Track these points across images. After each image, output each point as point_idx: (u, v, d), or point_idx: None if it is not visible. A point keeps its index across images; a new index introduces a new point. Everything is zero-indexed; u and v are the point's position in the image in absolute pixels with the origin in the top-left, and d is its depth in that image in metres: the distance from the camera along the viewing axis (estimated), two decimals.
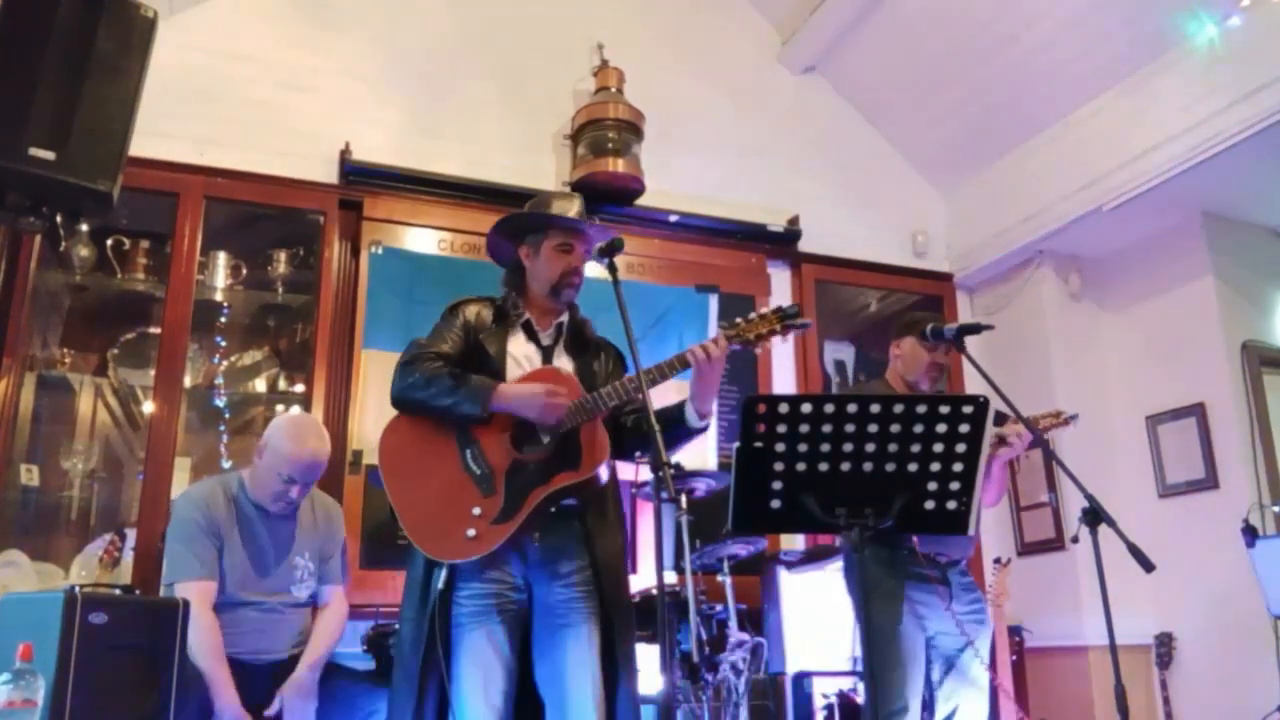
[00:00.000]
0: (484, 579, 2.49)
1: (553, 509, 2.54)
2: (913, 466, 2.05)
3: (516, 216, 2.78)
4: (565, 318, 2.77)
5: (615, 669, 2.53)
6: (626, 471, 3.08)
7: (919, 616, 3.07)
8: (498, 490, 2.49)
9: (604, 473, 2.61)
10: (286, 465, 2.93)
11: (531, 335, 2.72)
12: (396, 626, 3.42)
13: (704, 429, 2.63)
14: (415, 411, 2.57)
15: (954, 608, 3.10)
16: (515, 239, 2.77)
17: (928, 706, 3.15)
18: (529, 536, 2.53)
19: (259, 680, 2.85)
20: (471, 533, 2.46)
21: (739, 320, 2.60)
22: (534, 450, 2.53)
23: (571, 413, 2.52)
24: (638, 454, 2.77)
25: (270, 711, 2.81)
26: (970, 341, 3.16)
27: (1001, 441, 3.13)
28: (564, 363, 2.71)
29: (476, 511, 2.47)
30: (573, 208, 2.72)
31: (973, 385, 4.70)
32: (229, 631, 2.85)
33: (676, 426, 2.58)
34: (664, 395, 2.55)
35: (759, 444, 2.03)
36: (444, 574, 2.46)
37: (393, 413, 2.62)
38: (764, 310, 2.61)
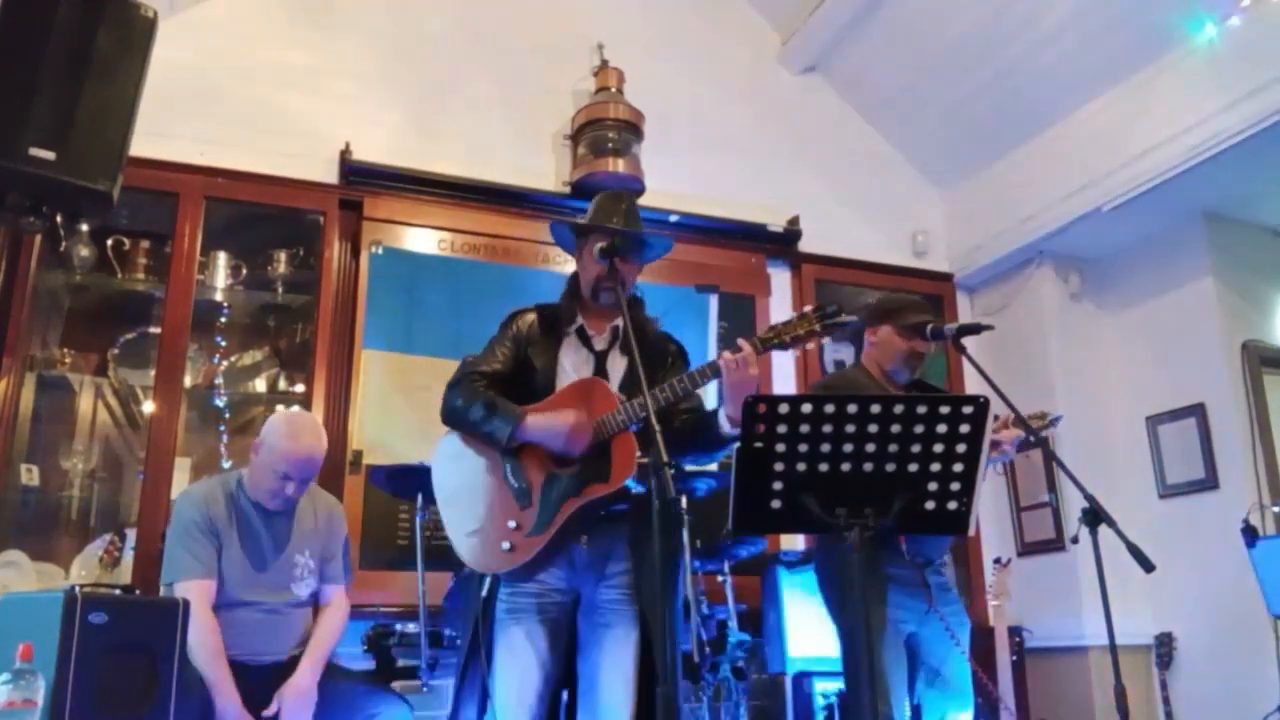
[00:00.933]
0: (528, 581, 2.53)
1: (600, 514, 2.54)
2: (913, 467, 2.04)
3: (559, 227, 2.81)
4: (621, 320, 2.68)
5: (652, 672, 2.50)
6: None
7: (899, 620, 3.04)
8: (534, 503, 2.53)
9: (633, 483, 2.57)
10: (282, 462, 2.93)
11: (585, 341, 2.71)
12: (397, 627, 3.46)
13: (737, 436, 2.48)
14: (460, 429, 2.64)
15: (937, 607, 3.08)
16: (574, 241, 2.78)
17: (915, 713, 3.14)
18: (577, 542, 2.55)
19: (260, 681, 2.84)
20: (506, 545, 2.50)
21: (775, 324, 2.52)
22: (568, 464, 2.55)
23: (603, 424, 2.50)
24: (695, 454, 2.72)
25: (268, 713, 2.80)
26: (970, 341, 3.14)
27: (994, 445, 3.12)
28: (617, 366, 2.69)
29: (512, 524, 2.52)
30: (617, 211, 2.72)
31: (973, 385, 4.70)
32: (229, 632, 2.85)
33: (709, 432, 2.56)
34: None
35: (759, 444, 2.03)
36: (487, 581, 2.54)
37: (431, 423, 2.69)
38: (805, 310, 2.51)
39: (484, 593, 2.53)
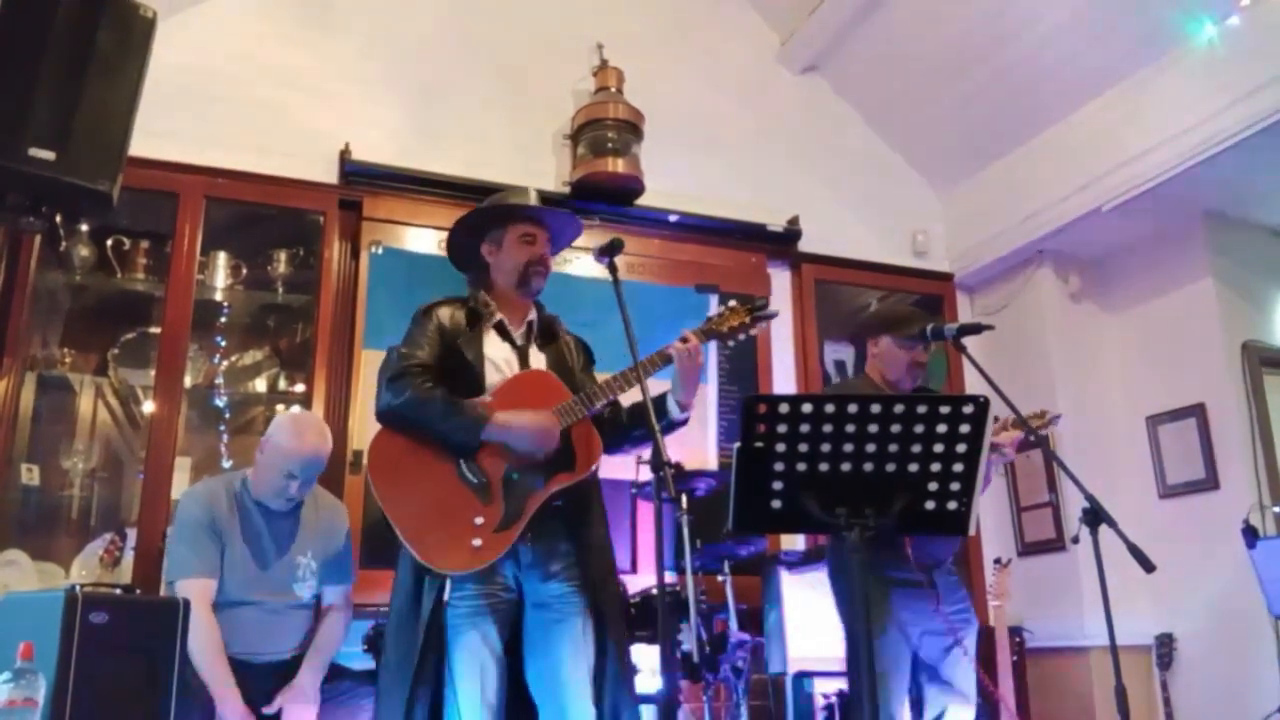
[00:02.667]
0: (477, 582, 2.50)
1: (541, 511, 2.54)
2: (913, 467, 2.04)
3: (476, 211, 2.82)
4: (534, 315, 2.78)
5: (604, 661, 2.54)
6: (612, 466, 3.14)
7: (904, 622, 3.05)
8: (496, 497, 2.50)
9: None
10: (287, 460, 2.94)
11: (505, 336, 2.72)
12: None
13: (685, 420, 2.71)
14: (403, 430, 2.55)
15: (942, 609, 3.09)
16: (477, 237, 2.79)
17: (917, 708, 3.15)
18: (522, 540, 2.54)
19: (261, 680, 2.85)
20: (477, 542, 2.47)
21: (710, 315, 2.71)
22: (527, 455, 2.54)
23: (563, 414, 2.54)
24: (619, 446, 2.78)
25: (269, 709, 2.80)
26: (970, 341, 3.15)
27: (993, 448, 3.12)
28: (538, 360, 2.73)
29: (479, 521, 2.49)
30: (530, 198, 2.78)
31: (973, 385, 4.70)
32: (231, 630, 2.85)
33: (659, 419, 2.55)
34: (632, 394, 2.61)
35: (759, 444, 2.02)
36: (448, 584, 2.46)
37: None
38: (733, 304, 2.71)
39: (445, 596, 2.45)
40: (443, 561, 2.46)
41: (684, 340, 2.61)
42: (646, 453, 2.48)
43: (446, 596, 2.45)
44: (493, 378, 2.64)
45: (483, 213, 2.80)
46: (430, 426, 2.51)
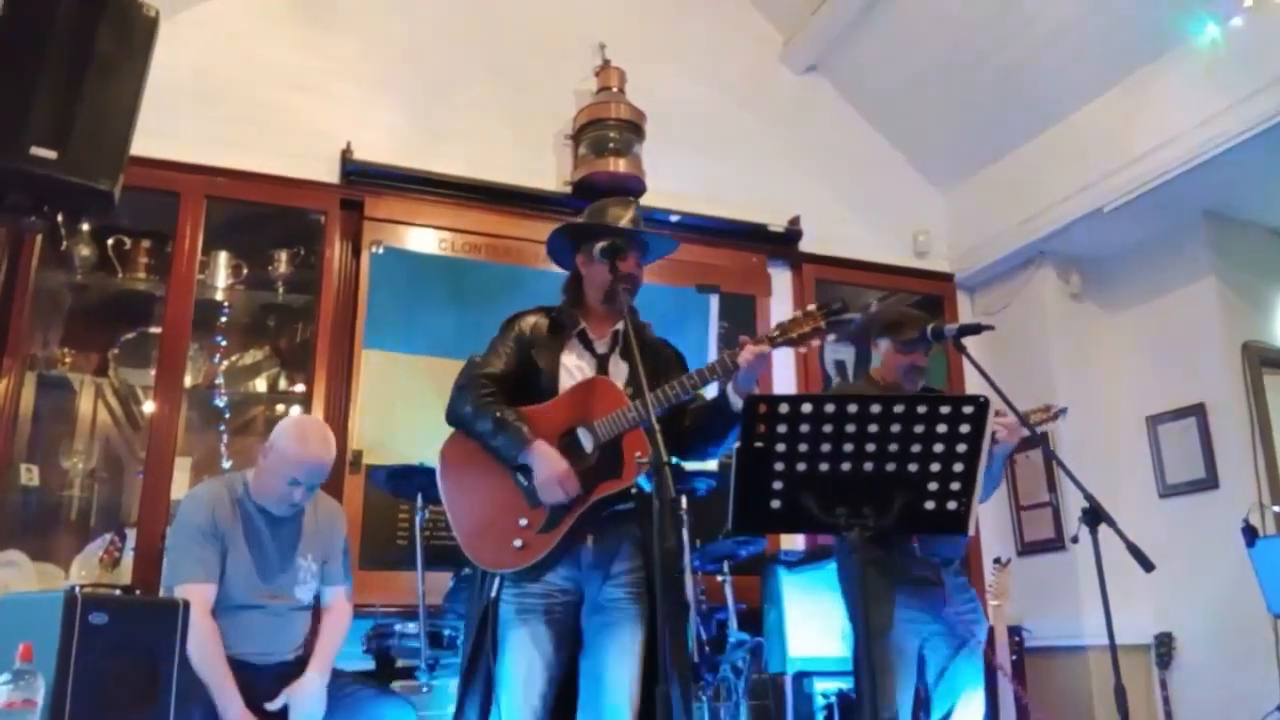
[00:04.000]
0: (534, 582, 2.54)
1: (604, 513, 2.55)
2: (913, 467, 2.04)
3: (570, 226, 2.82)
4: (621, 325, 2.73)
5: (657, 671, 2.50)
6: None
7: (912, 621, 3.06)
8: (543, 501, 2.53)
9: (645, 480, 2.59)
10: (291, 467, 2.93)
11: (587, 345, 2.73)
12: (397, 627, 3.46)
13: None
14: (466, 436, 2.64)
15: (950, 609, 3.09)
16: (573, 248, 2.80)
17: (924, 706, 3.15)
18: (582, 541, 2.56)
19: (262, 681, 2.84)
20: (518, 543, 2.51)
21: (782, 321, 2.59)
22: (579, 460, 2.55)
23: (612, 422, 2.53)
24: (699, 450, 2.75)
25: (274, 705, 2.80)
26: (971, 341, 3.15)
27: (991, 435, 3.11)
28: (619, 370, 2.71)
29: (523, 523, 2.53)
30: (626, 215, 2.76)
31: (973, 385, 4.70)
32: (232, 633, 2.84)
33: (723, 414, 2.57)
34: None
35: (759, 444, 2.02)
36: (495, 581, 2.54)
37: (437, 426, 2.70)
38: (809, 308, 2.59)
39: (492, 593, 2.53)
40: (485, 558, 2.55)
41: (741, 347, 2.52)
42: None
43: (494, 593, 2.52)
44: (565, 384, 2.66)
45: (577, 227, 2.81)
46: (479, 438, 2.59)
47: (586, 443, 2.57)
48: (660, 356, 2.77)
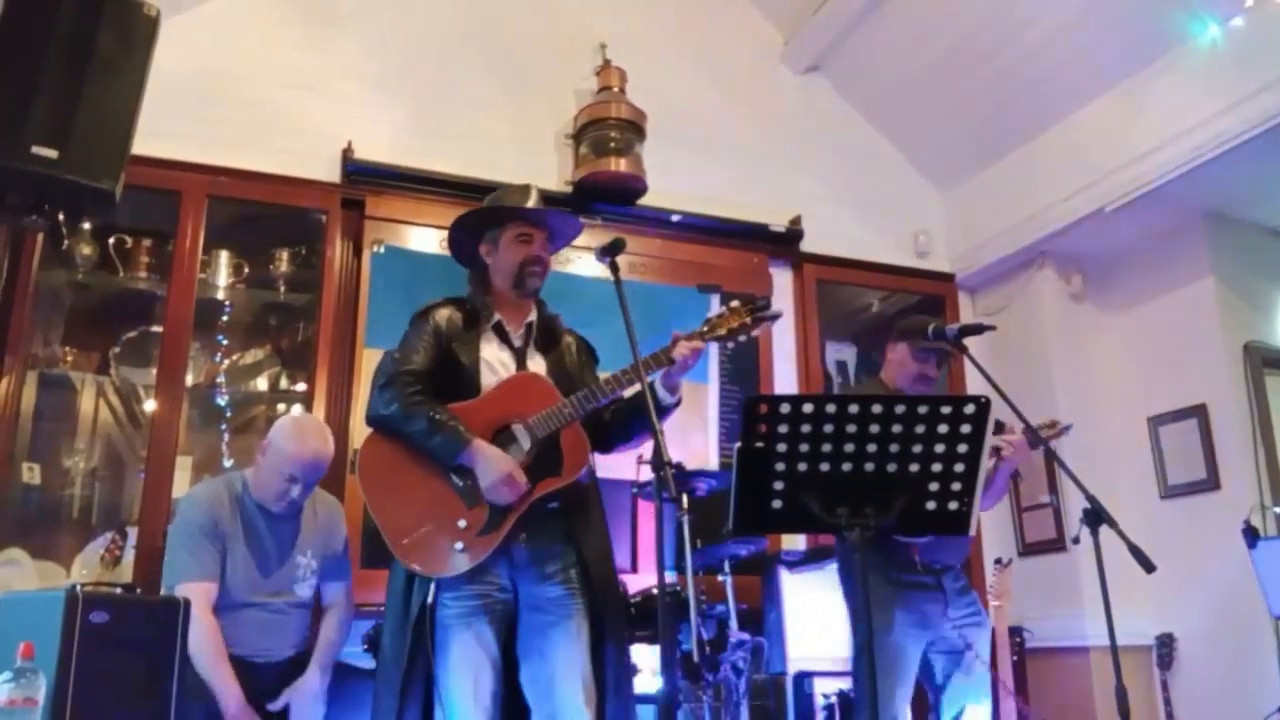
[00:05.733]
0: (470, 583, 2.50)
1: (536, 511, 2.54)
2: (914, 467, 2.04)
3: (472, 213, 2.80)
4: (534, 316, 2.77)
5: (604, 666, 2.53)
6: (612, 466, 3.13)
7: (913, 625, 3.05)
8: (482, 500, 2.50)
9: (585, 475, 2.62)
10: (288, 464, 2.93)
11: (504, 338, 2.71)
12: None
13: (677, 403, 2.66)
14: (391, 437, 2.57)
15: (950, 614, 3.09)
16: (475, 237, 2.78)
17: (934, 709, 3.15)
18: (515, 540, 2.54)
19: (263, 678, 2.85)
20: (459, 546, 2.47)
21: (710, 317, 2.63)
22: (515, 458, 2.52)
23: (548, 418, 2.53)
24: (619, 446, 2.78)
25: (275, 705, 2.81)
26: (971, 342, 3.15)
27: (996, 452, 3.12)
28: (536, 363, 2.71)
29: (462, 524, 2.49)
30: (529, 198, 2.74)
31: (974, 386, 4.69)
32: (234, 632, 2.85)
33: (643, 410, 2.51)
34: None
35: (760, 444, 2.02)
36: (431, 587, 2.47)
37: None
38: (734, 304, 2.63)
39: (428, 598, 2.46)
40: (424, 564, 2.48)
41: (674, 342, 2.56)
42: (648, 452, 2.47)
43: (431, 598, 2.46)
44: (488, 380, 2.63)
45: (479, 213, 2.79)
46: (411, 439, 2.52)
47: (523, 440, 2.55)
48: (575, 349, 2.80)
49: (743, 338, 2.63)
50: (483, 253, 2.77)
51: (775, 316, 2.67)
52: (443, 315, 2.71)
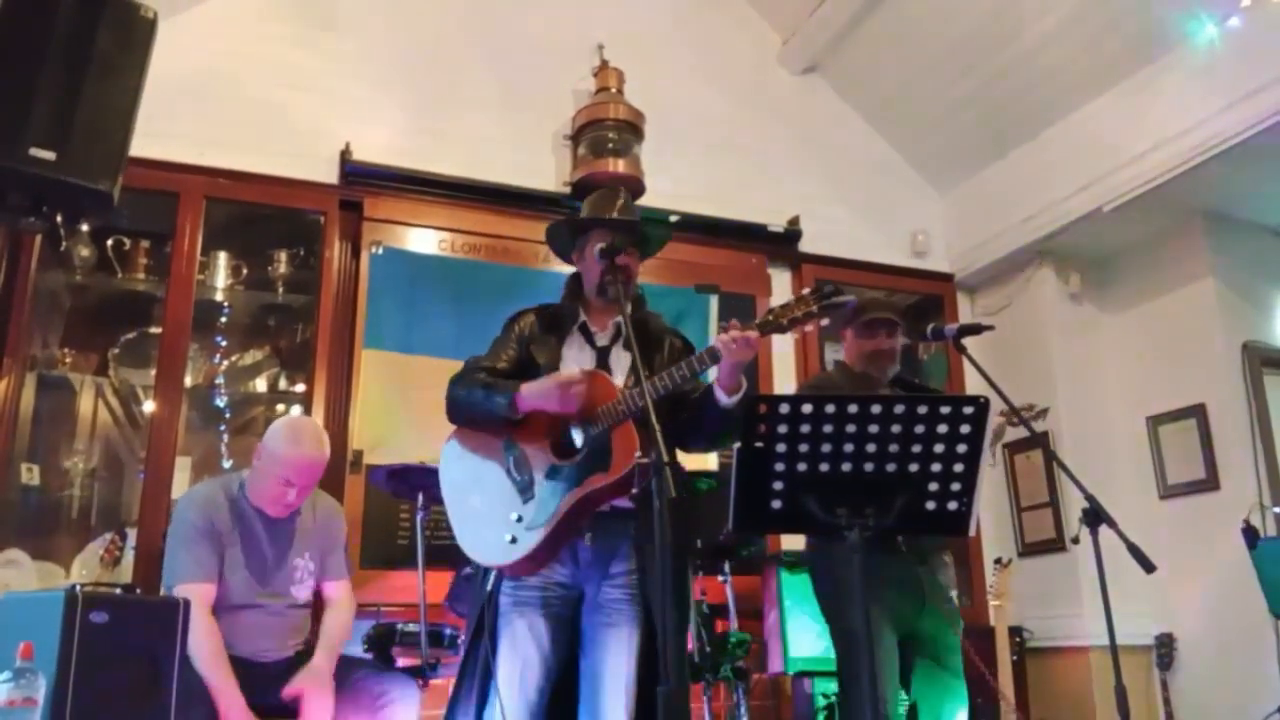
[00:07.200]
0: (533, 575, 2.54)
1: (606, 509, 2.53)
2: (913, 467, 2.05)
3: (555, 226, 2.82)
4: (623, 316, 2.72)
5: (654, 673, 2.48)
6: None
7: (893, 617, 3.03)
8: (536, 496, 2.53)
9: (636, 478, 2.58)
10: (283, 467, 2.93)
11: (588, 338, 2.72)
12: (398, 626, 3.46)
13: (734, 405, 2.50)
14: (462, 422, 2.66)
15: (932, 606, 3.07)
16: (570, 245, 2.80)
17: (910, 709, 3.14)
18: (581, 539, 2.55)
19: (265, 679, 2.85)
20: (509, 538, 2.51)
21: (773, 308, 2.48)
22: (571, 456, 2.54)
23: (603, 414, 2.50)
24: (693, 444, 2.71)
25: (288, 691, 2.80)
26: (970, 342, 3.15)
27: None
28: (620, 362, 2.68)
29: (514, 518, 2.52)
30: (615, 204, 2.76)
31: (973, 386, 4.70)
32: (233, 634, 2.85)
33: (708, 410, 2.52)
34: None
35: (760, 444, 2.03)
36: (492, 575, 2.56)
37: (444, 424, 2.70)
38: (803, 291, 2.47)
39: (489, 586, 2.55)
40: (477, 554, 2.56)
41: (727, 329, 2.43)
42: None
43: (490, 586, 2.55)
44: None
45: (561, 226, 2.82)
46: (477, 408, 2.58)
47: (578, 438, 2.56)
48: (668, 347, 2.73)
49: (808, 327, 2.44)
50: (574, 259, 2.81)
51: (845, 304, 2.52)
52: (527, 320, 2.76)
